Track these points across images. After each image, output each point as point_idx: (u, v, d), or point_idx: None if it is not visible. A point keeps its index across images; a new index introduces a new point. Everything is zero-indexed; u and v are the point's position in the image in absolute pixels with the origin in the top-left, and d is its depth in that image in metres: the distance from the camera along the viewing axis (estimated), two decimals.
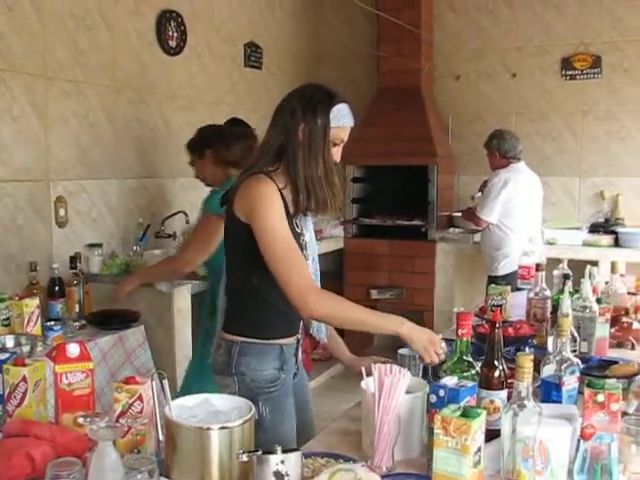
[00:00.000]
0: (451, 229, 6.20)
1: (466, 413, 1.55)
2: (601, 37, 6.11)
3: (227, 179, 3.49)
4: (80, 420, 1.77)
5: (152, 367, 3.68)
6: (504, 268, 5.10)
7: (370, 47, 6.62)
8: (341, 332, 6.54)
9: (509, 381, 1.85)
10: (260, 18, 6.16)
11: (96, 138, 4.41)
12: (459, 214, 6.14)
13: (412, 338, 2.14)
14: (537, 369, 2.13)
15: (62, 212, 4.17)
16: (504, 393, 1.89)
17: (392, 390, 1.79)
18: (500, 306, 3.12)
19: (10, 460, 1.67)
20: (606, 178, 6.19)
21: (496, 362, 1.90)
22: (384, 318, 2.23)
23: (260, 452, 1.55)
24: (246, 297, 2.29)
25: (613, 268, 3.34)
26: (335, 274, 6.37)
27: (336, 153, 2.29)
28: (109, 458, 1.54)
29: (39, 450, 1.70)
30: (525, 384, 1.63)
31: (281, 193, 2.21)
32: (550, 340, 2.43)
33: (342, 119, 2.26)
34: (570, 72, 6.22)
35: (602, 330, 2.77)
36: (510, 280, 3.93)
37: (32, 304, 3.37)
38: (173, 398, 1.78)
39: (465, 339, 1.96)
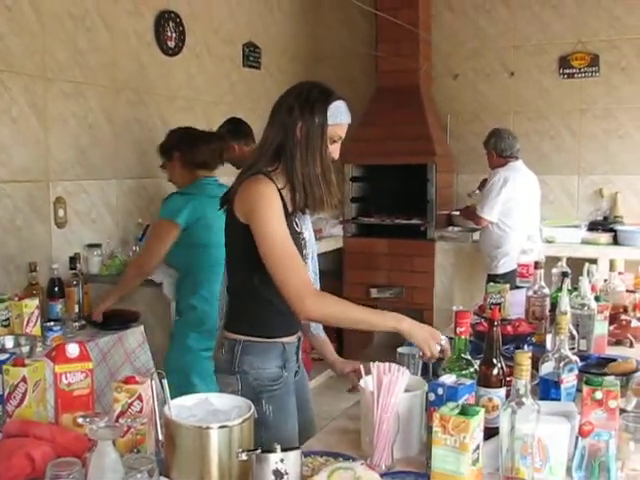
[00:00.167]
0: (450, 228, 6.21)
1: (465, 411, 1.55)
2: (599, 36, 6.11)
3: (193, 181, 3.50)
4: (80, 420, 1.77)
5: (152, 367, 3.68)
6: (503, 266, 5.10)
7: (368, 47, 6.62)
8: (340, 332, 6.54)
9: (508, 379, 1.86)
10: (259, 18, 6.16)
11: (95, 139, 4.41)
12: (458, 213, 6.15)
13: (412, 333, 2.14)
14: (536, 367, 2.14)
15: (61, 212, 4.17)
16: (503, 391, 1.89)
17: (391, 388, 1.80)
18: (499, 304, 3.13)
19: (10, 460, 1.68)
20: (605, 176, 6.20)
21: (495, 360, 1.91)
22: (382, 316, 2.24)
23: (259, 451, 1.55)
24: (248, 297, 2.29)
25: (612, 266, 3.35)
26: (334, 273, 6.38)
27: (334, 150, 2.30)
28: (109, 458, 1.55)
29: (39, 450, 1.70)
30: (523, 382, 1.63)
31: (280, 193, 2.21)
32: (549, 338, 2.44)
33: (339, 116, 2.26)
34: (568, 71, 6.23)
35: (601, 328, 2.77)
36: (509, 278, 3.94)
37: (32, 305, 3.37)
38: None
39: (464, 337, 1.97)
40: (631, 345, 2.93)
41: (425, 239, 6.15)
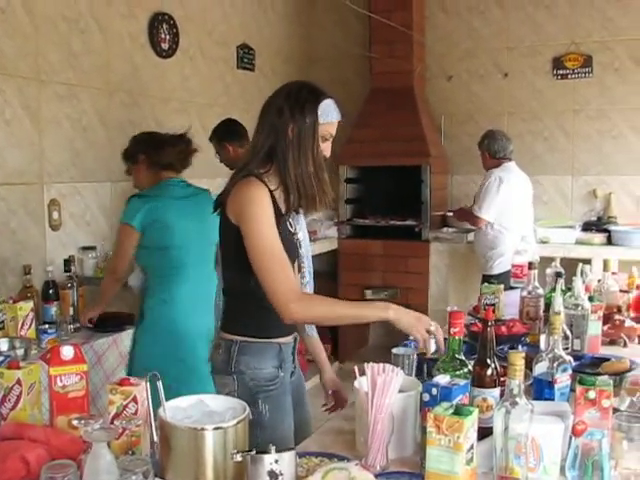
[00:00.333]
0: (445, 229, 6.22)
1: (458, 411, 1.56)
2: (592, 37, 6.13)
3: (158, 182, 3.47)
4: (75, 422, 1.77)
5: None
6: (498, 267, 5.11)
7: (362, 48, 6.63)
8: (335, 334, 6.51)
9: (502, 379, 1.86)
10: (252, 20, 6.17)
11: (89, 141, 4.41)
12: (452, 214, 6.16)
13: (399, 319, 2.15)
14: (530, 367, 2.15)
15: (56, 215, 4.17)
16: (497, 391, 1.90)
17: (385, 389, 1.80)
18: (493, 305, 3.14)
19: (5, 463, 1.67)
20: (598, 177, 6.22)
21: (489, 360, 1.91)
22: (368, 307, 2.27)
23: (254, 452, 1.55)
24: (243, 298, 2.30)
25: (605, 266, 3.37)
26: (329, 275, 6.38)
27: (326, 148, 2.30)
28: (104, 460, 1.55)
29: (34, 453, 1.70)
30: (517, 381, 1.64)
31: (272, 194, 2.22)
32: (543, 338, 2.45)
33: (330, 114, 2.26)
34: (561, 72, 6.25)
35: (594, 328, 2.78)
36: (504, 279, 3.95)
37: (26, 307, 3.37)
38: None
39: (457, 337, 1.97)
40: (625, 345, 2.94)
41: (420, 240, 6.16)
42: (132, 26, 4.78)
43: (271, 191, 2.22)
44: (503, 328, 2.84)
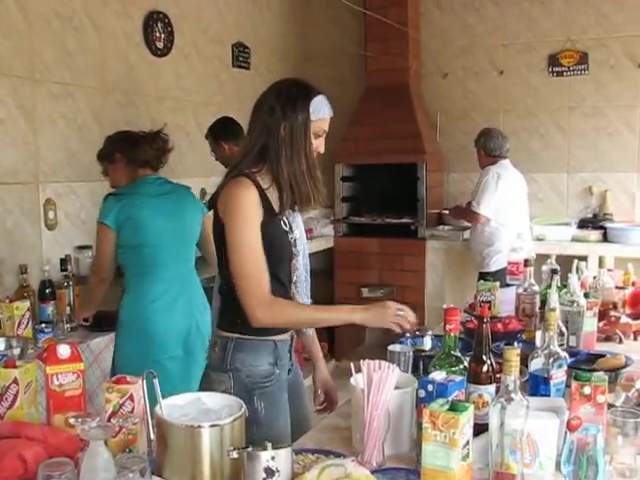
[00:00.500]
0: (441, 226, 6.23)
1: (454, 407, 1.56)
2: (587, 34, 6.14)
3: (131, 180, 3.43)
4: (71, 420, 1.77)
5: None
6: (495, 264, 5.12)
7: (358, 46, 6.64)
8: (331, 332, 6.51)
9: (497, 376, 1.87)
10: (247, 18, 6.16)
11: (85, 140, 4.40)
12: (448, 212, 6.17)
13: (366, 320, 2.19)
14: (526, 364, 2.16)
15: (51, 214, 4.17)
16: (493, 387, 1.90)
17: (381, 385, 1.81)
18: (489, 302, 3.14)
19: (2, 461, 1.67)
20: (594, 174, 6.22)
21: (484, 357, 1.92)
22: (335, 311, 2.30)
23: (250, 449, 1.56)
24: (236, 297, 2.30)
25: (601, 263, 3.37)
26: (326, 273, 6.40)
27: (320, 144, 2.32)
28: (101, 458, 1.55)
29: (31, 451, 1.70)
30: (512, 377, 1.64)
31: (265, 194, 2.23)
32: (538, 334, 2.46)
33: (322, 110, 2.27)
34: (557, 69, 6.25)
35: (590, 324, 2.79)
36: (501, 276, 3.96)
37: (23, 307, 3.37)
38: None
39: (453, 334, 1.98)
40: (620, 341, 2.95)
41: (416, 238, 6.17)
42: (127, 25, 4.77)
43: (263, 190, 2.23)
44: (499, 325, 2.85)
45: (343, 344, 6.20)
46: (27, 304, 3.41)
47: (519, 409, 1.62)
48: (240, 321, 2.29)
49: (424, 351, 2.55)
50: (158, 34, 5.03)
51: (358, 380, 1.91)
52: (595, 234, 5.78)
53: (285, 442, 1.71)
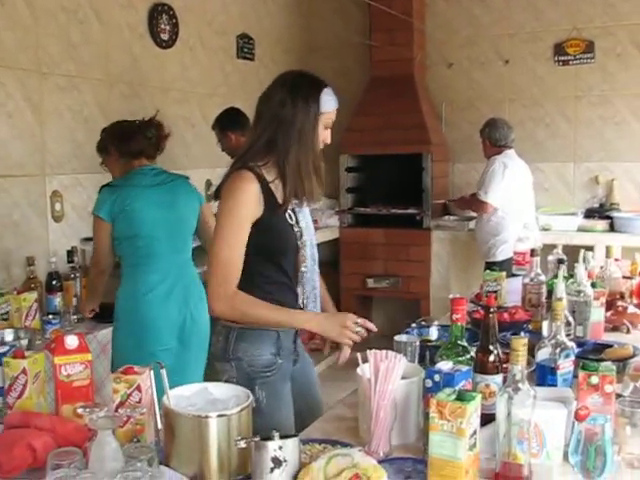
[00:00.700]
0: (446, 217, 6.22)
1: (461, 397, 1.56)
2: (594, 22, 6.11)
3: (127, 171, 3.41)
4: (79, 410, 1.78)
5: None
6: (502, 254, 5.11)
7: (362, 37, 6.62)
8: None
9: (504, 366, 1.87)
10: (252, 10, 6.15)
11: (91, 132, 4.39)
12: (453, 202, 6.17)
13: (323, 330, 2.22)
14: (532, 354, 2.16)
15: (58, 206, 4.18)
16: (499, 377, 1.90)
17: (388, 375, 1.81)
18: (495, 292, 3.14)
19: (12, 451, 1.69)
20: (601, 163, 6.20)
21: (491, 347, 1.91)
22: (291, 317, 2.28)
23: (258, 438, 1.56)
24: (241, 286, 2.30)
25: (608, 252, 3.36)
26: (331, 264, 6.39)
27: (327, 136, 2.34)
28: (109, 447, 1.56)
29: (40, 441, 1.72)
30: (519, 367, 1.64)
31: (269, 187, 2.24)
32: (545, 324, 2.45)
33: (331, 103, 2.30)
34: (563, 58, 6.23)
35: (597, 314, 2.78)
36: (507, 266, 3.96)
37: (30, 298, 3.39)
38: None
39: (459, 324, 1.98)
40: (628, 331, 2.94)
41: (421, 228, 6.16)
42: (131, 17, 4.77)
43: (267, 183, 2.24)
44: (505, 315, 2.85)
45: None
46: (34, 295, 3.43)
47: (526, 399, 1.62)
48: None
49: (430, 341, 2.55)
50: (163, 26, 5.02)
51: (365, 370, 1.91)
52: (602, 224, 5.76)
53: (288, 433, 1.72)
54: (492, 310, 1.95)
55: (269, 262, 2.32)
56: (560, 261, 3.14)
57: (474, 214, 5.56)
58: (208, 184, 5.27)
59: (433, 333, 2.63)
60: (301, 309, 2.40)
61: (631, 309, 3.08)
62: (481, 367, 1.91)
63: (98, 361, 3.35)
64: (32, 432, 1.76)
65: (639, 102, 6.06)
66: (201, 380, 2.11)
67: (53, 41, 4.14)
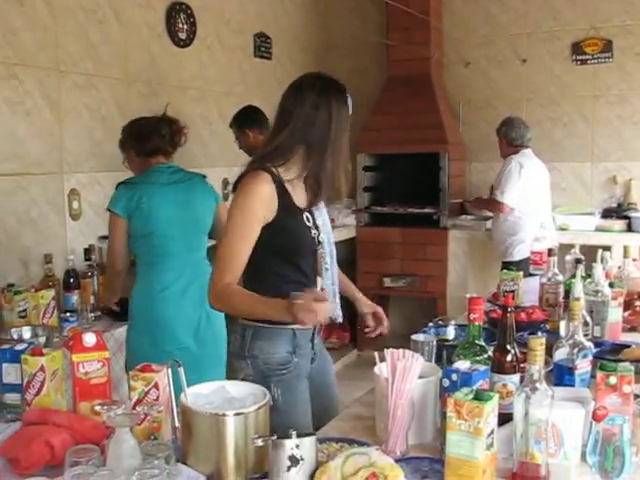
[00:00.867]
0: (463, 216, 6.20)
1: (479, 396, 1.56)
2: (612, 21, 6.06)
3: (144, 169, 3.41)
4: (97, 408, 1.79)
5: None
6: (519, 253, 5.10)
7: (379, 36, 6.60)
8: (353, 322, 6.45)
9: (521, 365, 1.86)
10: (269, 9, 6.16)
11: (109, 131, 4.42)
12: (469, 203, 6.16)
13: (298, 318, 2.11)
14: (550, 354, 2.15)
15: (75, 204, 4.20)
16: (517, 377, 1.90)
17: (405, 374, 1.81)
18: (512, 292, 3.13)
19: (30, 447, 1.70)
20: (618, 163, 6.16)
21: (508, 346, 1.91)
22: (272, 308, 2.21)
23: (275, 437, 1.57)
24: (257, 285, 2.31)
25: (626, 252, 3.34)
26: (348, 263, 6.37)
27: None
28: (127, 444, 1.57)
29: (58, 437, 1.73)
30: (537, 367, 1.64)
31: (285, 187, 2.26)
32: (562, 324, 2.44)
33: (351, 106, 2.32)
34: (581, 57, 6.19)
35: (615, 314, 2.77)
36: (524, 266, 3.94)
37: (48, 296, 3.41)
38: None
39: (477, 323, 1.98)
40: None
41: (438, 228, 6.15)
42: (149, 16, 4.79)
43: (284, 184, 2.26)
44: (523, 315, 2.84)
45: (365, 333, 6.19)
46: (52, 293, 3.45)
47: (544, 399, 1.61)
48: None
49: (447, 340, 2.55)
50: (181, 25, 5.04)
51: (382, 369, 1.92)
52: (619, 224, 5.72)
53: (305, 431, 1.72)
54: (509, 310, 1.94)
55: (286, 263, 2.33)
56: (578, 261, 3.13)
57: (491, 214, 5.54)
58: (225, 183, 5.28)
59: (450, 332, 2.63)
60: None
61: None
62: (498, 367, 1.90)
63: (115, 359, 3.36)
64: (50, 429, 1.77)
65: None
66: (221, 379, 2.10)
67: (72, 40, 4.16)
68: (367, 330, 2.73)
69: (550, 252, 3.09)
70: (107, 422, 1.64)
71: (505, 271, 3.32)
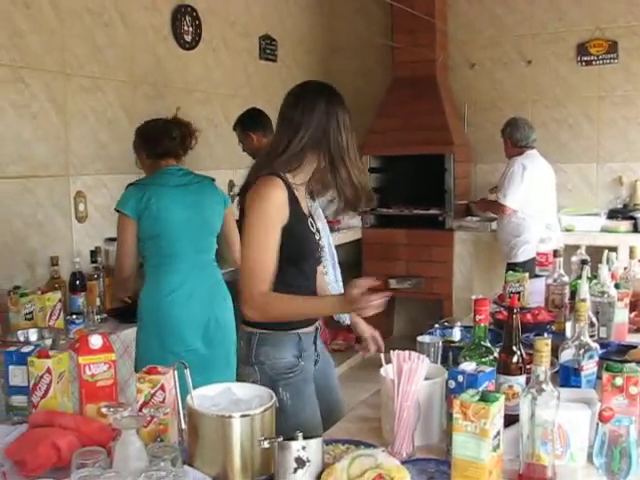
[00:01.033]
0: (469, 217, 6.20)
1: (485, 397, 1.56)
2: (617, 22, 6.06)
3: (154, 170, 3.40)
4: (104, 410, 1.79)
5: None
6: (523, 254, 5.09)
7: (384, 37, 6.61)
8: None
9: (527, 367, 1.86)
10: (274, 11, 6.17)
11: (115, 133, 4.44)
12: (474, 205, 6.16)
13: (358, 310, 2.16)
14: (556, 355, 2.14)
15: (82, 207, 4.21)
16: (523, 378, 1.89)
17: (411, 376, 1.80)
18: (518, 293, 3.13)
19: (36, 449, 1.70)
20: (624, 164, 6.16)
21: (514, 347, 1.91)
22: (323, 305, 2.32)
23: (281, 439, 1.57)
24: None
25: (632, 253, 3.33)
26: (353, 264, 6.39)
27: None
28: (133, 446, 1.57)
29: (65, 440, 1.73)
30: (543, 368, 1.63)
31: (294, 193, 2.27)
32: (568, 325, 2.44)
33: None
34: (586, 58, 6.19)
35: (621, 315, 2.76)
36: (529, 267, 3.94)
37: (54, 298, 3.41)
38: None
39: (483, 325, 1.97)
40: None
41: (444, 229, 6.15)
42: (155, 19, 4.80)
43: (292, 189, 2.26)
44: (528, 316, 2.84)
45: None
46: (58, 295, 3.45)
47: (550, 400, 1.61)
48: None
49: (453, 342, 2.55)
50: (186, 27, 5.05)
51: (388, 371, 1.91)
52: (625, 224, 5.72)
53: (314, 432, 1.73)
54: (515, 311, 1.94)
55: (290, 265, 2.33)
56: (583, 262, 3.12)
57: (495, 215, 5.54)
58: (231, 185, 5.29)
59: (456, 334, 2.63)
60: None
61: None
62: (504, 368, 1.90)
63: (121, 361, 3.36)
64: (56, 431, 1.77)
65: None
66: (230, 381, 2.10)
67: (78, 43, 4.17)
68: (363, 353, 2.75)
69: (556, 253, 3.08)
70: (113, 424, 1.65)
71: (511, 272, 3.31)
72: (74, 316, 3.46)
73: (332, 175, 2.29)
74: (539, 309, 2.94)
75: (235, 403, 1.79)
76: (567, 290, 2.96)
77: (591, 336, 2.29)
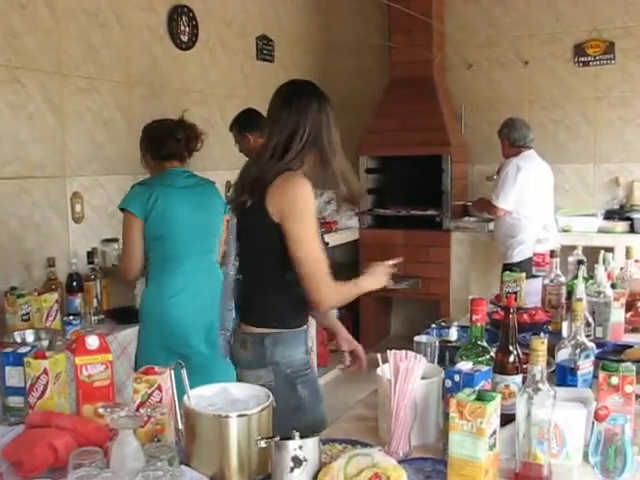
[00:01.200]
0: (466, 218, 6.20)
1: (481, 397, 1.56)
2: (614, 23, 6.07)
3: (158, 171, 3.40)
4: (100, 410, 1.80)
5: None
6: (519, 255, 5.09)
7: (382, 38, 6.61)
8: (356, 324, 6.50)
9: (524, 366, 1.87)
10: (271, 11, 6.17)
11: (111, 134, 4.44)
12: (471, 204, 6.16)
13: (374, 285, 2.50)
14: (552, 355, 2.15)
15: (78, 208, 4.21)
16: (519, 378, 1.90)
17: (408, 375, 1.81)
18: (515, 293, 3.13)
19: (33, 450, 1.70)
20: (621, 164, 6.16)
21: (511, 347, 1.91)
22: (368, 282, 2.55)
23: (277, 438, 1.57)
24: (277, 292, 2.34)
25: (628, 254, 3.34)
26: (351, 265, 6.38)
27: None
28: (130, 447, 1.57)
29: (61, 440, 1.73)
30: (539, 367, 1.64)
31: None
32: (565, 325, 2.45)
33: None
34: (583, 59, 6.19)
35: (617, 315, 2.77)
36: (525, 267, 3.94)
37: (51, 299, 3.41)
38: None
39: (479, 324, 1.98)
40: None
41: (441, 230, 6.15)
42: (151, 19, 4.80)
43: None
44: (525, 316, 2.84)
45: (368, 336, 6.19)
46: (55, 296, 3.45)
47: (546, 399, 1.61)
48: (278, 316, 2.34)
49: (450, 342, 2.55)
50: (183, 28, 5.05)
51: (385, 370, 1.92)
52: (622, 225, 5.73)
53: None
54: (512, 311, 1.94)
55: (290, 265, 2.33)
56: (580, 262, 3.13)
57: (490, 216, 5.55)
58: (228, 186, 5.29)
59: (453, 334, 2.63)
60: None
61: None
62: (501, 367, 1.90)
63: (119, 362, 3.36)
64: (53, 432, 1.77)
65: None
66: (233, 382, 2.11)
67: (74, 43, 4.17)
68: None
69: (552, 253, 3.09)
70: (110, 424, 1.65)
71: (507, 273, 3.32)
72: (71, 317, 3.45)
73: (326, 173, 2.29)
74: (536, 309, 2.95)
75: (232, 403, 1.79)
76: (564, 290, 2.97)
77: (587, 336, 2.29)
